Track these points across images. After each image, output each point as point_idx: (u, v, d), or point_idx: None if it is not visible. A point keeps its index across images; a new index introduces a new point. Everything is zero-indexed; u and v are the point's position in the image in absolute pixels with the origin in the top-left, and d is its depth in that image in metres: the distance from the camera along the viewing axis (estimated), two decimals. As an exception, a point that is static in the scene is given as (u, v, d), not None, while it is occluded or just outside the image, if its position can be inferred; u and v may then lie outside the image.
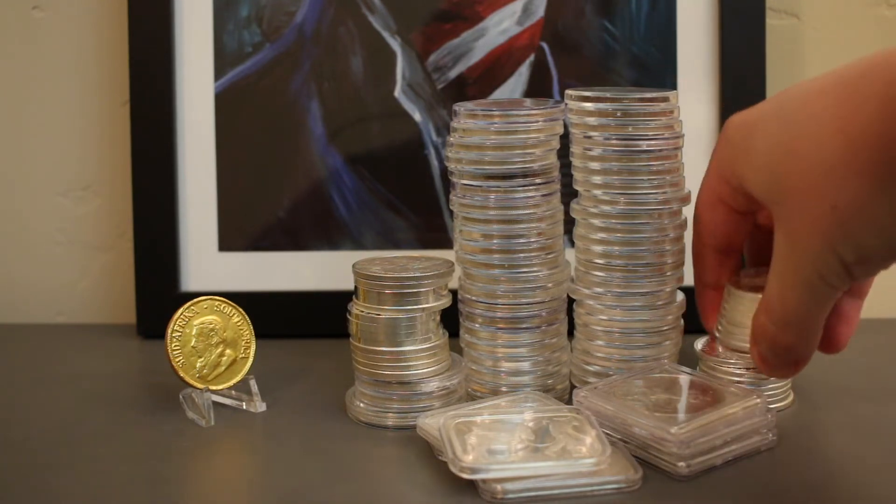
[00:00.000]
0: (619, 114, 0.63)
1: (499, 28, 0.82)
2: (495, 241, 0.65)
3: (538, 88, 0.82)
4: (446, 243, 0.81)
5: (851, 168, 0.50)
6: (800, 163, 0.53)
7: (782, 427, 0.61)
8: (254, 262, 0.83)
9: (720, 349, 0.64)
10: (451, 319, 0.66)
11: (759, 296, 0.58)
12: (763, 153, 0.55)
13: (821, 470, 0.57)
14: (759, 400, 0.59)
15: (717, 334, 0.65)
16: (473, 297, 0.66)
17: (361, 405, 0.64)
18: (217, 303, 0.67)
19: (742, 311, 0.62)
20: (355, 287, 0.64)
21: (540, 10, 0.81)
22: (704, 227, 0.62)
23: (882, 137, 0.49)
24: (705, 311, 0.65)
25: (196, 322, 0.66)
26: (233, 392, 0.67)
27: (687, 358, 0.68)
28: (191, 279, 0.83)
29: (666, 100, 0.64)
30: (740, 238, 0.63)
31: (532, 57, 0.82)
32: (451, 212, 0.67)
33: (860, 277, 0.53)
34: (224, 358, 0.66)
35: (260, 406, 0.66)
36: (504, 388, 0.66)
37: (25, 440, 0.62)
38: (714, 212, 0.61)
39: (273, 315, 0.81)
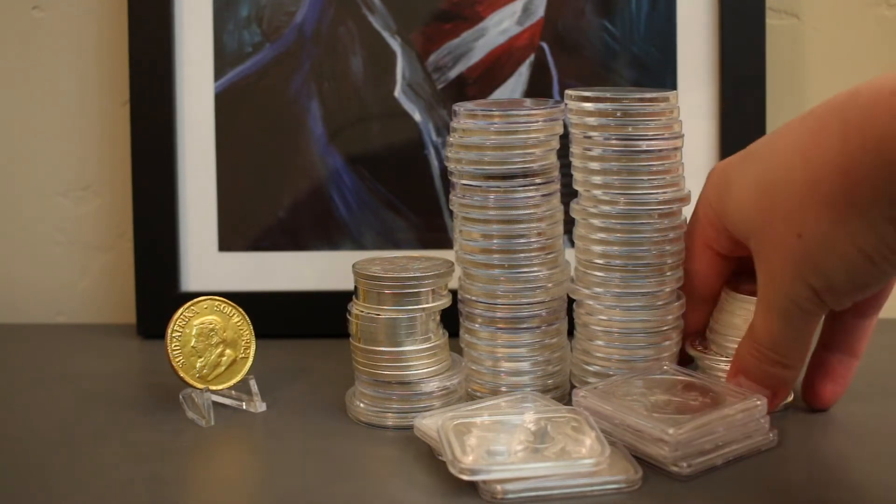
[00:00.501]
0: (619, 114, 0.63)
1: (499, 28, 0.82)
2: (495, 241, 0.64)
3: (538, 88, 0.82)
4: (446, 243, 0.81)
5: (814, 198, 0.53)
6: (771, 196, 0.56)
7: (783, 427, 0.61)
8: (254, 263, 0.83)
9: (714, 348, 0.66)
10: (451, 319, 0.66)
11: (755, 299, 0.60)
12: (740, 190, 0.59)
13: (821, 470, 0.57)
14: (759, 402, 0.59)
15: (709, 335, 0.67)
16: (473, 297, 0.66)
17: (361, 405, 0.64)
18: (217, 303, 0.67)
19: (738, 314, 0.64)
20: (355, 287, 0.64)
21: (540, 10, 0.81)
22: (687, 274, 0.65)
23: (841, 169, 0.52)
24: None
25: (196, 322, 0.66)
26: (233, 392, 0.67)
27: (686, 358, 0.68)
28: (191, 279, 0.83)
29: (666, 100, 0.64)
30: (719, 284, 0.66)
31: (532, 57, 0.82)
32: (451, 212, 0.66)
33: (834, 305, 0.56)
34: (224, 358, 0.66)
35: (260, 406, 0.66)
36: (504, 389, 0.66)
37: (25, 440, 0.62)
38: (699, 260, 0.64)
39: (273, 315, 0.81)
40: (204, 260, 0.83)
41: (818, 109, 0.55)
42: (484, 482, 0.53)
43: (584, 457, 0.54)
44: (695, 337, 0.67)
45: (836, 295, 0.55)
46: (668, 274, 0.65)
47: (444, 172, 0.80)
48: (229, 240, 0.83)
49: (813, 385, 0.63)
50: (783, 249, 0.55)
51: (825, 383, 0.63)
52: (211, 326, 0.66)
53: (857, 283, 0.55)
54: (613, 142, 0.64)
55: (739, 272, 0.65)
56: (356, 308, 0.64)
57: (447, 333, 0.65)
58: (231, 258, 0.83)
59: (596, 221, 0.65)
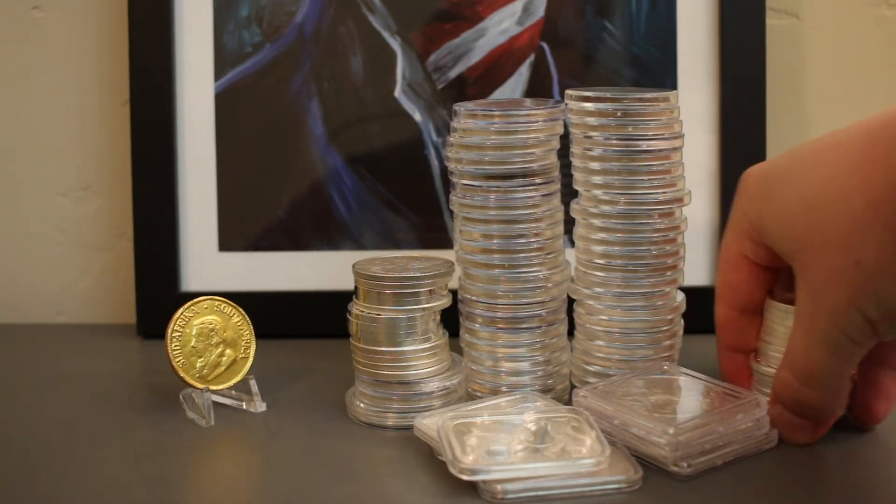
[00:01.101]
0: (619, 114, 0.63)
1: (499, 28, 0.81)
2: (495, 241, 0.64)
3: (538, 88, 0.81)
4: (446, 243, 0.81)
5: (876, 222, 0.50)
6: (821, 216, 0.52)
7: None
8: (254, 262, 0.83)
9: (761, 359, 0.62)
10: (451, 319, 0.66)
11: (793, 308, 0.57)
12: (783, 206, 0.55)
13: (822, 470, 0.57)
14: (759, 403, 0.59)
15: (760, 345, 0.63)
16: (473, 297, 0.66)
17: (361, 405, 0.64)
18: (217, 303, 0.67)
19: (779, 322, 0.61)
20: (355, 287, 0.64)
21: (540, 10, 0.81)
22: (730, 287, 0.61)
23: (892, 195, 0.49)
24: (733, 375, 0.63)
25: (196, 322, 0.66)
26: (233, 392, 0.67)
27: (687, 358, 0.68)
28: (191, 279, 0.83)
29: (666, 100, 0.64)
30: (763, 295, 0.61)
31: (532, 57, 0.81)
32: (451, 212, 0.66)
33: (886, 335, 0.53)
34: (224, 358, 0.66)
35: (260, 406, 0.66)
36: (504, 388, 0.66)
37: (25, 440, 0.62)
38: (739, 271, 0.61)
39: (273, 315, 0.81)
40: (204, 260, 0.83)
41: (864, 125, 0.52)
42: (484, 482, 0.53)
43: (584, 457, 0.54)
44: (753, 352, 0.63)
45: (894, 323, 0.52)
46: (668, 274, 0.65)
47: (445, 172, 0.81)
48: (229, 240, 0.83)
49: (867, 403, 0.59)
50: (837, 276, 0.52)
51: (878, 401, 0.59)
52: (211, 326, 0.66)
53: None
54: (614, 142, 0.64)
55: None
56: (356, 308, 0.64)
57: (447, 333, 0.65)
58: (231, 258, 0.83)
59: (596, 221, 0.65)
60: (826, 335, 0.53)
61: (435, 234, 0.82)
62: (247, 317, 0.67)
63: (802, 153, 0.56)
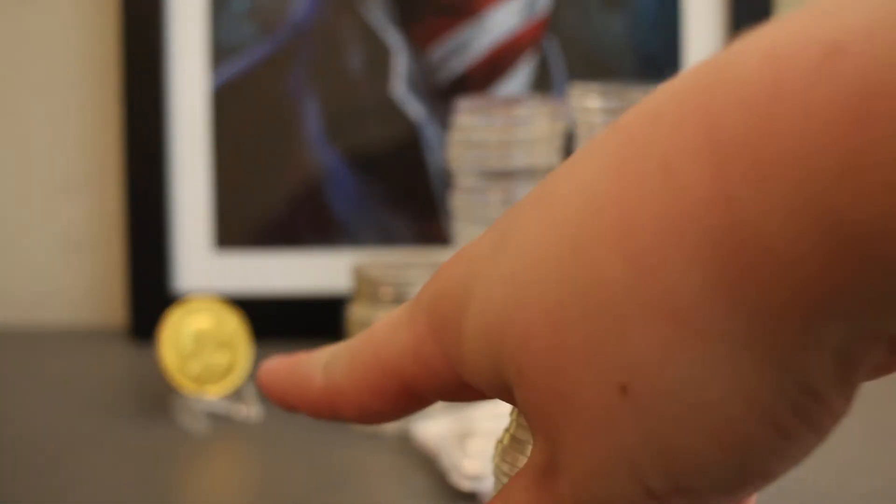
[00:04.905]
0: (624, 110, 0.62)
1: (501, 23, 0.81)
2: (497, 242, 0.64)
3: (541, 84, 0.81)
4: (446, 243, 0.80)
5: (651, 304, 0.22)
6: (545, 307, 0.24)
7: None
8: (249, 262, 0.82)
9: None
10: (451, 322, 0.65)
11: None
12: (480, 315, 0.26)
13: (827, 472, 0.56)
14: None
15: None
16: (474, 299, 0.65)
17: (359, 410, 0.63)
18: (212, 304, 0.66)
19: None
20: (353, 288, 0.64)
21: (543, 5, 0.81)
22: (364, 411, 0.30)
23: (721, 228, 0.21)
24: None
25: (190, 324, 0.65)
26: (227, 397, 0.66)
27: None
28: (184, 279, 0.82)
29: (672, 96, 0.63)
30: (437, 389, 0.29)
31: (535, 52, 0.81)
32: (451, 211, 0.66)
33: None
34: (218, 361, 0.66)
35: (256, 411, 0.65)
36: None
37: (13, 445, 0.62)
38: (381, 397, 0.29)
39: (269, 316, 0.80)
40: (198, 260, 0.82)
41: (608, 137, 0.25)
42: (485, 490, 0.52)
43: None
44: None
45: (693, 499, 0.24)
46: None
47: (444, 170, 0.80)
48: (224, 239, 0.82)
49: None
50: (587, 417, 0.24)
51: None
52: (206, 328, 0.65)
53: (743, 473, 0.23)
54: (619, 139, 0.63)
55: None
56: (354, 309, 0.63)
57: (447, 336, 0.64)
58: (226, 258, 0.82)
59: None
60: None
61: (434, 233, 0.81)
62: (242, 318, 0.67)
63: (519, 205, 0.27)
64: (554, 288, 0.24)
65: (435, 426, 0.58)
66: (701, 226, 0.21)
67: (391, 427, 0.62)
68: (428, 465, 0.57)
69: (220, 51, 0.82)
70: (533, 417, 0.25)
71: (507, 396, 0.26)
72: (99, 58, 0.85)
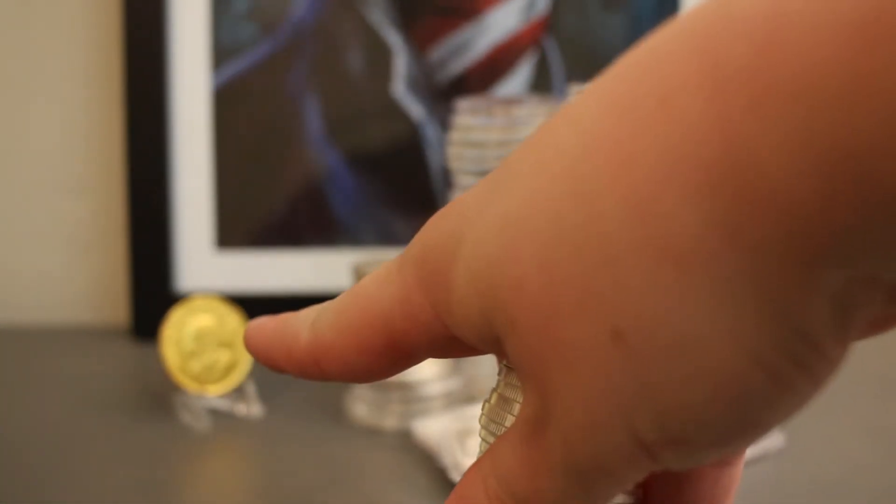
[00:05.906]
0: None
1: (501, 23, 0.81)
2: (497, 241, 0.64)
3: (541, 85, 0.81)
4: (446, 242, 0.80)
5: (649, 247, 0.22)
6: (536, 247, 0.23)
7: (790, 429, 0.60)
8: (250, 262, 0.82)
9: None
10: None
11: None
12: (468, 260, 0.25)
13: (829, 472, 0.56)
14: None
15: None
16: (474, 298, 0.65)
17: (361, 408, 0.63)
18: (213, 303, 0.66)
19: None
20: (354, 287, 0.63)
21: (543, 5, 0.80)
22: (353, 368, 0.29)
23: (720, 164, 0.21)
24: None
25: (192, 323, 0.65)
26: (230, 395, 0.66)
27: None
28: (186, 279, 0.82)
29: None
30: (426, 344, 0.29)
31: (534, 53, 0.81)
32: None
33: (678, 465, 0.24)
34: (221, 360, 0.65)
35: (257, 409, 0.66)
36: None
37: (17, 443, 0.62)
38: (370, 353, 0.29)
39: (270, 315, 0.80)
40: (200, 259, 0.82)
41: (612, 78, 0.25)
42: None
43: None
44: None
45: (686, 450, 0.23)
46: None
47: (444, 171, 0.80)
48: (226, 239, 0.82)
49: None
50: (579, 365, 0.23)
51: None
52: (207, 327, 0.65)
53: (738, 423, 0.23)
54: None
55: None
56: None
57: (448, 335, 0.64)
58: (228, 257, 0.82)
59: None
60: (564, 463, 0.25)
61: (435, 233, 0.81)
62: (244, 317, 0.66)
63: (513, 153, 0.27)
64: (547, 227, 0.23)
65: (435, 424, 0.58)
66: (699, 161, 0.20)
67: (392, 424, 0.62)
68: (428, 463, 0.57)
69: (221, 51, 0.82)
70: (523, 367, 0.24)
71: (497, 349, 0.25)
72: (101, 59, 0.85)
